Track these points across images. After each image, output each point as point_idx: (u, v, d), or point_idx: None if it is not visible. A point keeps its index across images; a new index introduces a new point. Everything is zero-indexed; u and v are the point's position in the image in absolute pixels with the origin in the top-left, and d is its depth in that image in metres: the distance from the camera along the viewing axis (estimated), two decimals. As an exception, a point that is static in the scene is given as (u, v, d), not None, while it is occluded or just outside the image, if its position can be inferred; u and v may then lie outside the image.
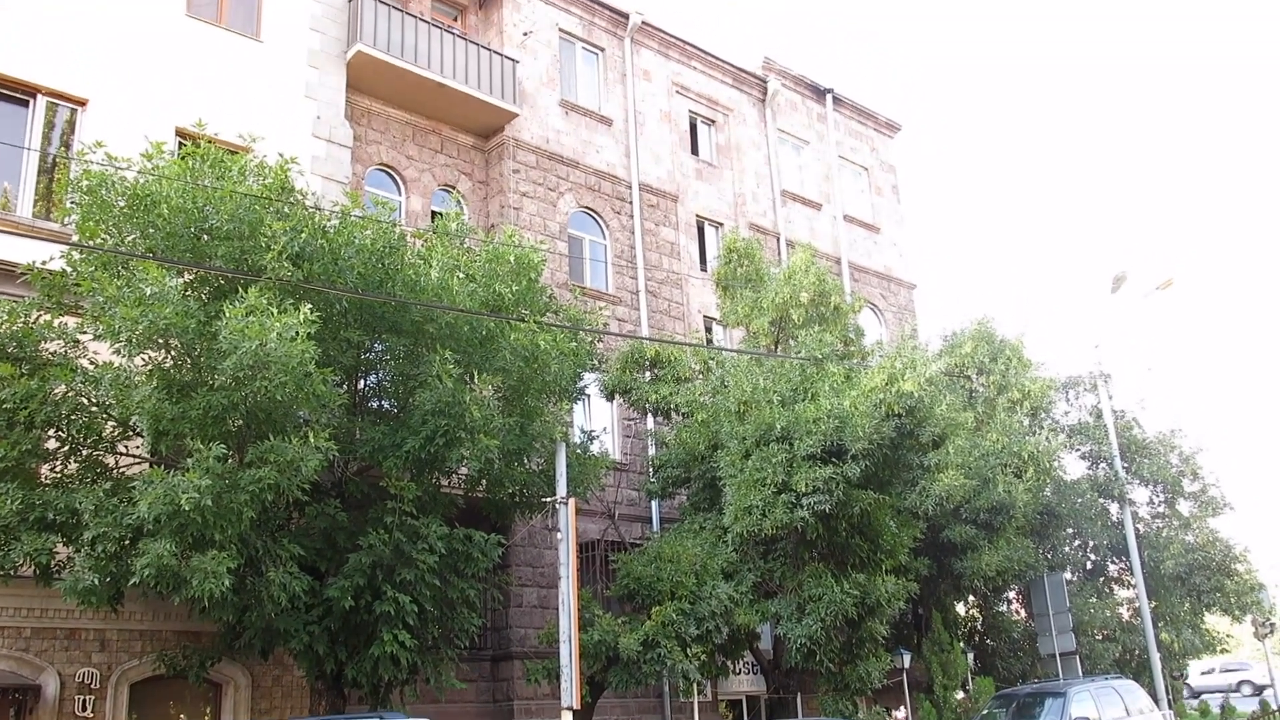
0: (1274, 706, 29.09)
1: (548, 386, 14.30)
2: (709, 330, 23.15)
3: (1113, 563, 26.27)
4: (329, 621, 12.46)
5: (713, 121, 25.54)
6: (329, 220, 12.97)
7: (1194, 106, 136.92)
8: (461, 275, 13.27)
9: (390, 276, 12.92)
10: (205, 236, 12.13)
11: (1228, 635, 30.46)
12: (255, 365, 10.70)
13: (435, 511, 13.24)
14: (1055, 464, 21.73)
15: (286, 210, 12.44)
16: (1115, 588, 26.63)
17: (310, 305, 11.19)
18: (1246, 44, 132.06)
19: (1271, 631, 30.90)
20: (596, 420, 19.97)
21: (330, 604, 12.30)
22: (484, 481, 14.34)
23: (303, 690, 15.04)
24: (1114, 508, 24.80)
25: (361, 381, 14.23)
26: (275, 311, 10.81)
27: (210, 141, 13.05)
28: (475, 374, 13.10)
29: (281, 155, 13.27)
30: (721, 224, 24.45)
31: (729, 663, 17.76)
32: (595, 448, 16.54)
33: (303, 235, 12.11)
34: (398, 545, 12.32)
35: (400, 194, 19.39)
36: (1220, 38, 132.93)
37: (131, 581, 10.79)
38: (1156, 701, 21.11)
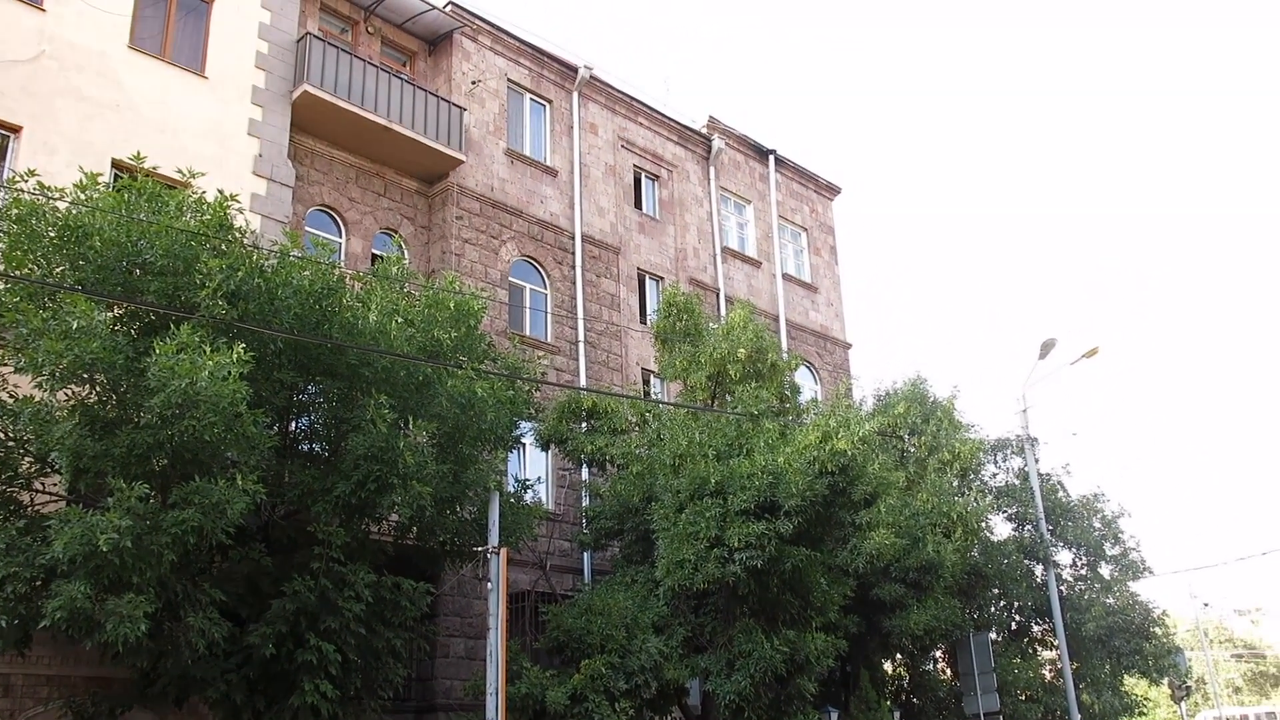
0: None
1: (483, 434, 14.21)
2: (647, 383, 23.22)
3: (1036, 623, 26.61)
4: (248, 669, 12.12)
5: (657, 177, 25.83)
6: (267, 259, 12.82)
7: (1125, 179, 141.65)
8: (400, 320, 13.19)
9: (327, 318, 12.79)
10: (138, 271, 11.92)
11: (1145, 698, 30.99)
12: (184, 404, 10.49)
13: (363, 558, 13.01)
14: (983, 525, 22.03)
15: (224, 248, 12.30)
16: (1039, 648, 26.96)
17: (244, 345, 11.03)
18: (1174, 119, 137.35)
19: (1188, 694, 31.50)
20: (531, 470, 19.84)
21: (250, 651, 11.98)
22: (415, 529, 14.15)
23: (217, 741, 14.56)
24: (1039, 569, 25.16)
25: (293, 424, 14.00)
26: (207, 350, 10.64)
27: (148, 175, 12.89)
28: (410, 420, 12.97)
29: (221, 192, 13.13)
30: (662, 278, 24.64)
31: (656, 718, 17.58)
32: (529, 497, 16.42)
33: (239, 273, 11.95)
34: (323, 592, 12.07)
35: (341, 236, 19.26)
36: (1147, 109, 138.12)
37: (41, 624, 10.42)
38: (1078, 764, 21.32)
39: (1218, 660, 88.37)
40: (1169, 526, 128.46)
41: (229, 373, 10.60)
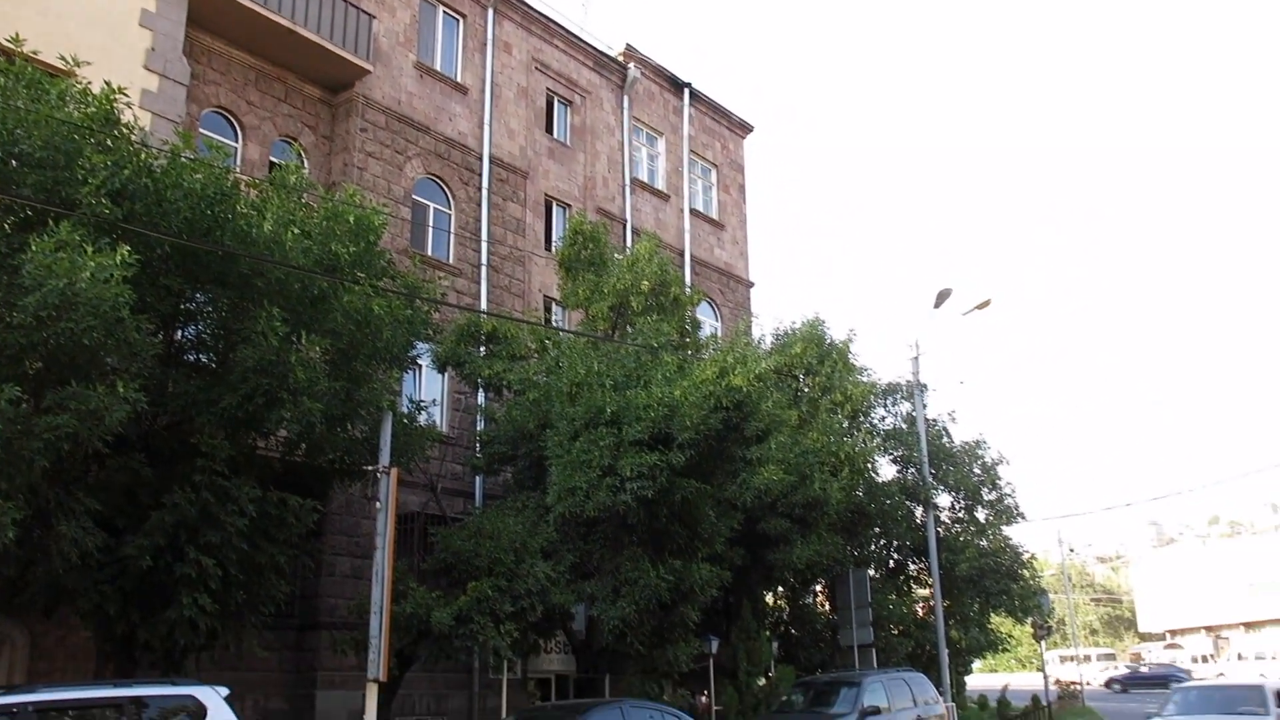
0: (1044, 702, 31.19)
1: (378, 353, 13.94)
2: (548, 310, 23.09)
3: (913, 562, 27.64)
4: (123, 582, 11.81)
5: (570, 102, 25.42)
6: (156, 159, 12.24)
7: (1031, 132, 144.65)
8: (296, 231, 12.74)
9: (219, 225, 12.29)
10: (14, 162, 11.25)
11: (1009, 635, 32.58)
12: (61, 305, 10.01)
13: (249, 473, 12.71)
14: (869, 466, 22.69)
15: (109, 143, 11.69)
16: (914, 586, 28.05)
17: (128, 247, 10.55)
18: (1082, 75, 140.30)
19: (1048, 634, 33.20)
20: (426, 391, 19.63)
21: (126, 563, 11.65)
22: (304, 445, 13.88)
23: (89, 652, 14.21)
24: (919, 511, 26.04)
25: (179, 332, 13.52)
26: (88, 250, 10.15)
27: (27, 60, 12.12)
28: (303, 334, 12.64)
29: (108, 84, 12.41)
30: (570, 205, 24.38)
31: (541, 641, 17.81)
32: (423, 419, 16.26)
33: (125, 171, 11.40)
34: (205, 505, 11.78)
35: (237, 140, 18.53)
36: (1056, 65, 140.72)
37: (-99, 527, 9.96)
38: (942, 693, 22.32)
39: (1078, 603, 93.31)
40: (1043, 475, 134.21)
41: (111, 275, 10.14)
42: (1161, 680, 44.39)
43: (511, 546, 15.22)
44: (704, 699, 20.79)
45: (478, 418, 20.31)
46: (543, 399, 17.18)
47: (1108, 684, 47.09)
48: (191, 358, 13.62)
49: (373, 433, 14.18)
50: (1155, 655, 71.85)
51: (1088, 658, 63.39)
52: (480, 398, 20.30)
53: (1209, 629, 79.33)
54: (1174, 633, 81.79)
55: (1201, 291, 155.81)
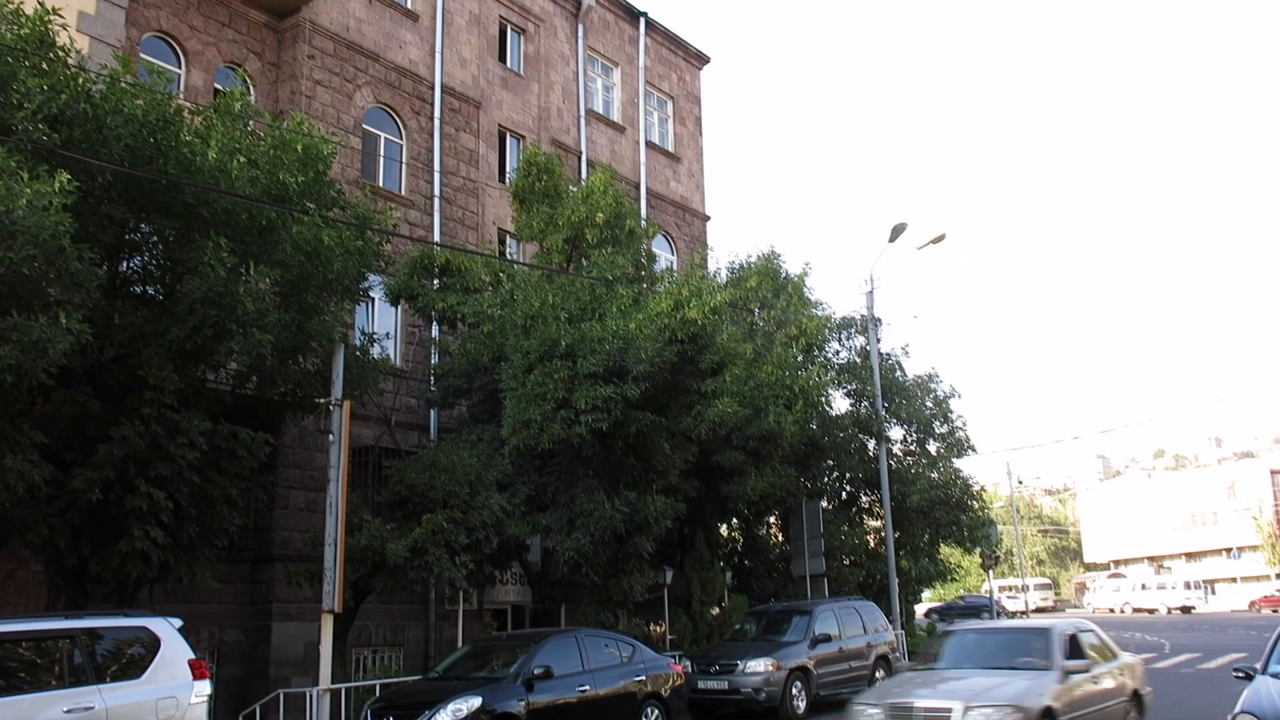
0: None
1: (329, 284, 13.79)
2: (503, 243, 22.89)
3: (865, 494, 28.10)
4: (72, 515, 11.72)
5: (523, 30, 24.96)
6: (95, 84, 11.88)
7: (991, 65, 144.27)
8: (243, 159, 12.47)
9: (162, 152, 12.00)
10: (-56, 85, 10.90)
11: (958, 565, 33.33)
12: (-1, 234, 9.77)
13: (199, 406, 12.58)
14: (823, 399, 22.89)
15: (44, 67, 11.32)
16: (865, 517, 28.55)
17: (68, 175, 10.28)
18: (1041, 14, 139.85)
19: (996, 563, 34.03)
20: (380, 324, 19.45)
21: (75, 496, 11.56)
22: (254, 378, 13.76)
23: (40, 586, 14.12)
24: (872, 444, 26.40)
25: (124, 263, 13.25)
26: (25, 176, 9.88)
27: (-44, -21, 11.66)
28: (251, 265, 12.47)
29: (41, 4, 12.00)
30: (524, 136, 24.06)
31: (497, 573, 17.95)
32: (376, 352, 16.14)
33: (63, 96, 11.07)
34: (155, 438, 11.66)
35: (180, 67, 18.03)
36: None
37: None
38: (891, 621, 22.85)
39: (1026, 534, 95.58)
40: (994, 408, 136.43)
41: (50, 202, 9.89)
42: (974, 611, 43.91)
43: (466, 479, 15.25)
44: (659, 628, 21.15)
45: (432, 351, 20.20)
46: (497, 332, 17.11)
47: (926, 614, 46.74)
48: (138, 289, 13.39)
49: (325, 365, 14.09)
50: (1099, 584, 74.11)
51: (1026, 587, 65.10)
52: (434, 331, 20.18)
53: (1151, 559, 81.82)
54: (1118, 563, 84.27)
55: (1155, 226, 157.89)
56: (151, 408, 11.79)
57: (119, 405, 12.10)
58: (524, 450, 16.05)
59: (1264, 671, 9.18)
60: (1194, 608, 62.31)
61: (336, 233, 13.17)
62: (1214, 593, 71.23)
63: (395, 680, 15.37)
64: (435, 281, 18.38)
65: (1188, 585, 65.02)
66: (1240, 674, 9.52)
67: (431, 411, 19.99)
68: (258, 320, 12.02)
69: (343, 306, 15.11)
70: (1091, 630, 12.86)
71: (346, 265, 13.66)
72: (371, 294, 17.15)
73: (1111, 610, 65.61)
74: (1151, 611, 62.83)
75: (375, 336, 16.13)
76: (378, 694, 14.07)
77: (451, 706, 11.79)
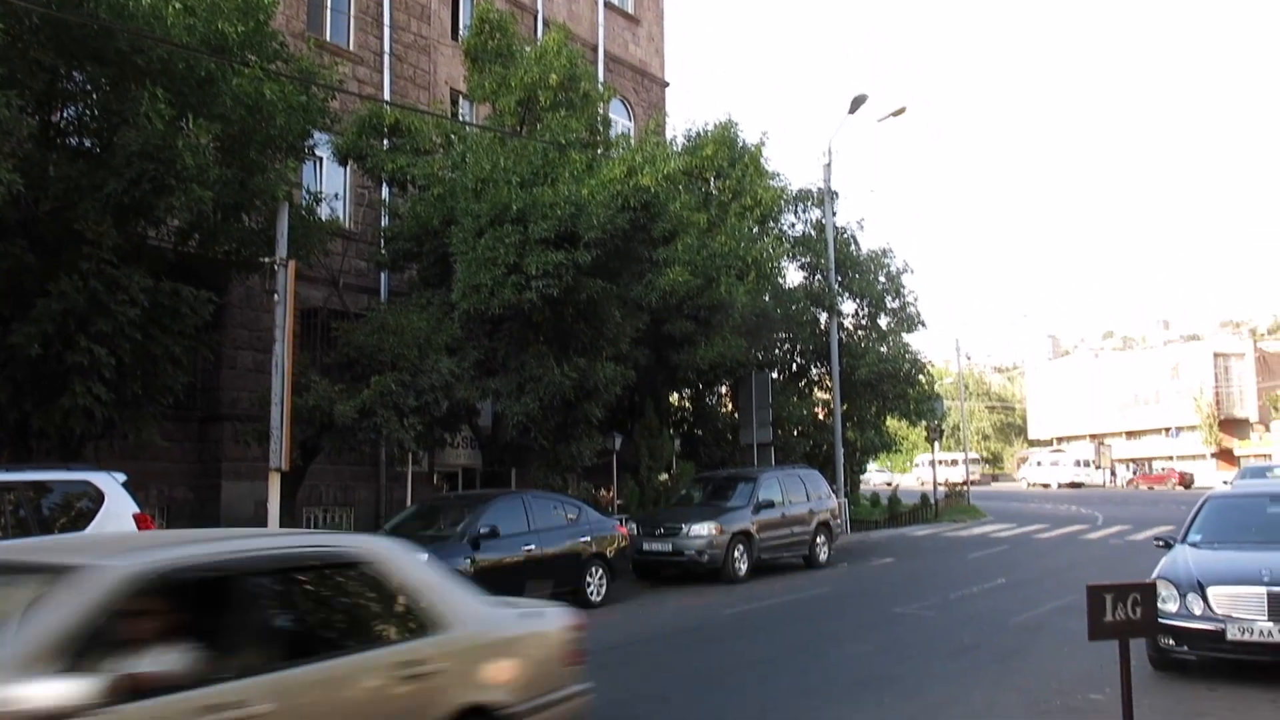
0: (932, 500, 33.11)
1: (272, 141, 13.45)
2: (455, 104, 22.33)
3: (815, 367, 28.48)
4: (12, 369, 11.60)
5: (478, -122, 23.83)
6: (17, -82, 11.26)
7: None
8: (179, 5, 11.98)
9: (92, -5, 11.49)
10: None
11: (903, 437, 34.10)
12: (-83, 75, 9.37)
13: (139, 263, 12.36)
14: (776, 270, 22.95)
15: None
16: (815, 389, 29.00)
17: (-9, 15, 9.84)
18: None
19: (940, 436, 34.87)
20: (328, 185, 19.04)
21: (14, 350, 11.41)
22: (196, 236, 13.53)
23: (-18, 441, 14.07)
24: (823, 317, 26.64)
25: (57, 113, 12.81)
26: (-56, 15, 9.44)
27: None
28: (190, 118, 12.10)
29: None
30: (478, -8, 23.21)
31: (447, 436, 18.11)
32: (324, 212, 15.89)
33: (-18, -69, 10.50)
34: (94, 294, 11.47)
35: (113, -96, 17.06)
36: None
37: None
38: (836, 490, 23.47)
39: (974, 410, 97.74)
40: (946, 285, 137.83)
41: (-28, 45, 9.49)
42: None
43: (415, 342, 15.22)
44: (607, 493, 21.57)
45: (381, 213, 19.89)
46: (448, 195, 16.86)
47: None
48: (73, 141, 12.98)
49: (269, 224, 13.84)
50: (1040, 457, 76.37)
51: (955, 461, 66.80)
52: (384, 192, 19.82)
53: (1094, 436, 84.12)
54: (1061, 439, 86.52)
55: (1111, 104, 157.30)
56: (90, 263, 11.57)
57: (56, 260, 11.86)
58: (474, 315, 16.02)
59: (1183, 541, 9.59)
60: (1083, 484, 67.22)
61: (279, 87, 12.79)
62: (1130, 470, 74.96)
63: (344, 538, 15.60)
64: (385, 142, 17.96)
65: (1077, 463, 70.66)
66: (1161, 544, 9.94)
67: (381, 274, 19.80)
68: (198, 176, 11.75)
69: (287, 164, 14.75)
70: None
71: (290, 121, 13.31)
72: (318, 153, 16.76)
73: (1046, 485, 67.86)
74: (1045, 486, 66.21)
75: (322, 197, 15.88)
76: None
77: (398, 562, 12.01)
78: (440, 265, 17.39)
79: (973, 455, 78.52)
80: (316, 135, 15.44)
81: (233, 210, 13.27)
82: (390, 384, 14.59)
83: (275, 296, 13.54)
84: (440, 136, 18.27)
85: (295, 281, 13.74)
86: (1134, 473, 72.81)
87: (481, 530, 12.96)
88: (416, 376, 15.01)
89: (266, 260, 13.74)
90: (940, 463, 59.06)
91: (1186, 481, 64.55)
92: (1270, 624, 7.98)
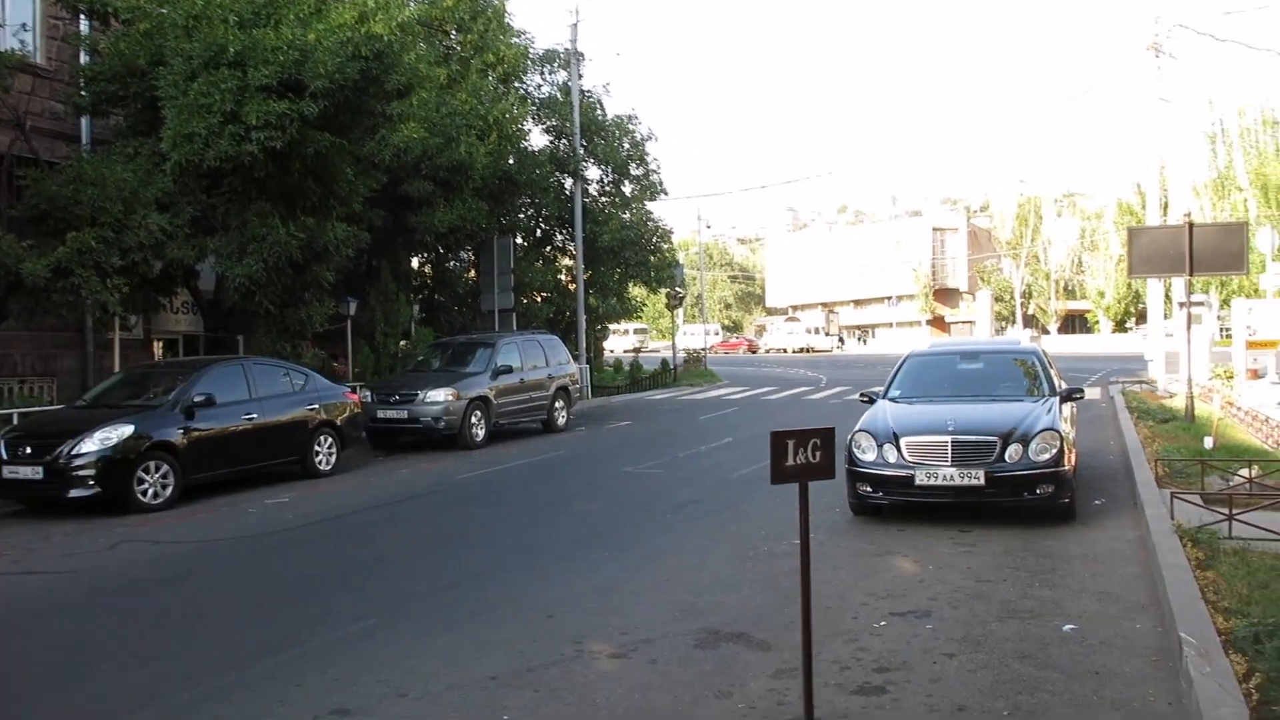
0: (672, 366, 34.21)
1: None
2: (165, -70, 20.03)
3: (560, 233, 28.42)
4: None
5: None
6: None
7: None
8: None
9: None
10: None
11: (644, 303, 34.84)
12: None
13: None
14: (519, 132, 22.45)
15: None
16: (559, 255, 29.00)
17: None
18: None
19: (680, 303, 35.88)
20: (14, 13, 16.75)
21: None
22: None
23: None
24: (568, 182, 26.47)
25: None
26: None
27: None
28: None
29: None
30: None
31: (163, 299, 16.86)
32: (8, 43, 13.96)
33: None
34: None
35: None
36: None
37: None
38: (577, 356, 23.74)
39: (717, 279, 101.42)
40: (690, 155, 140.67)
41: None
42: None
43: (120, 195, 13.88)
44: (340, 361, 20.86)
45: (80, 50, 17.77)
46: (155, 31, 15.22)
47: None
48: None
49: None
50: (777, 326, 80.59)
51: (718, 332, 69.98)
52: (83, 26, 17.65)
53: (825, 305, 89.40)
54: (796, 308, 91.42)
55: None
56: None
57: None
58: (188, 167, 14.71)
59: (884, 397, 10.32)
60: (814, 349, 71.73)
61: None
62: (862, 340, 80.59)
63: (39, 410, 14.31)
64: (82, -34, 15.92)
65: (809, 330, 75.77)
66: (865, 399, 10.65)
67: (82, 120, 17.78)
68: None
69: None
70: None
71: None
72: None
73: (783, 350, 71.93)
74: (783, 351, 71.45)
75: (4, 23, 13.92)
76: (15, 423, 13.06)
77: (99, 435, 11.16)
78: (149, 111, 15.78)
79: (714, 327, 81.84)
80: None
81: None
82: (90, 241, 13.31)
83: (-58, 137, 11.88)
84: (146, -37, 16.35)
85: (-33, 121, 12.10)
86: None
87: (196, 398, 12.20)
88: (121, 233, 13.76)
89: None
90: (710, 334, 61.44)
91: (754, 349, 73.67)
92: (952, 469, 8.75)
